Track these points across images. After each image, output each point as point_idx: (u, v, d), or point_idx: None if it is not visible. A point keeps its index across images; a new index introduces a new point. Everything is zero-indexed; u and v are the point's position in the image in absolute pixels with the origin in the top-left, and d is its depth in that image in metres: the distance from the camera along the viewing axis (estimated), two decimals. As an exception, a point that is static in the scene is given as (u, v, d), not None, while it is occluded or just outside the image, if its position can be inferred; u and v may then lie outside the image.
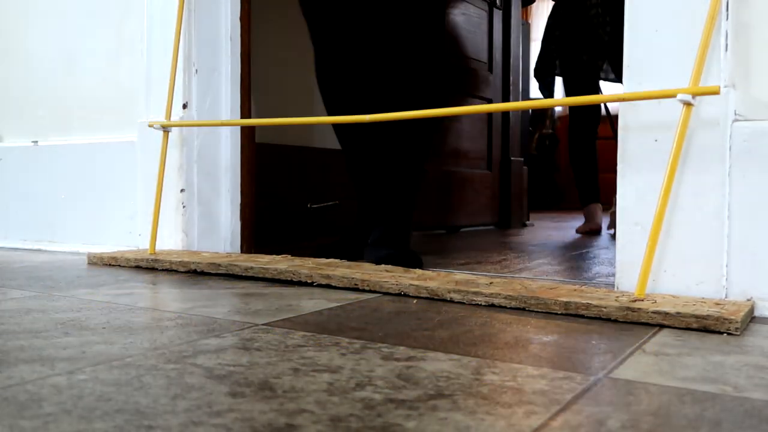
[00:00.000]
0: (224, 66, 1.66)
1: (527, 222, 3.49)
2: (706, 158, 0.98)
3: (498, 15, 3.24)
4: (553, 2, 2.72)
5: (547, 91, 2.74)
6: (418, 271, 1.24)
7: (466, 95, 3.03)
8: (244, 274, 1.29)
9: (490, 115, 3.19)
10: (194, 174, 1.62)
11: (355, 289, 1.15)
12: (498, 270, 1.48)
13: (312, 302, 1.04)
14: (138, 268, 1.45)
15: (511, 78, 3.30)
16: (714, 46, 0.97)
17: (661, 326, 0.87)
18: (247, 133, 1.72)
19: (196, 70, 1.63)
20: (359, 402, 0.56)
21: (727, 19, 0.99)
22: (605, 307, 0.91)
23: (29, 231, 1.94)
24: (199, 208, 1.63)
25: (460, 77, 2.98)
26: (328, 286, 1.18)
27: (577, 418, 0.53)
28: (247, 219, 1.71)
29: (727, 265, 0.97)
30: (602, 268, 1.53)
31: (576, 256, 1.78)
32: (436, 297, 1.06)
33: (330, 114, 1.58)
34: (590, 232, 2.68)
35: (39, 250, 1.87)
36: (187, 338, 0.79)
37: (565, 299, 0.95)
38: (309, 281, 1.21)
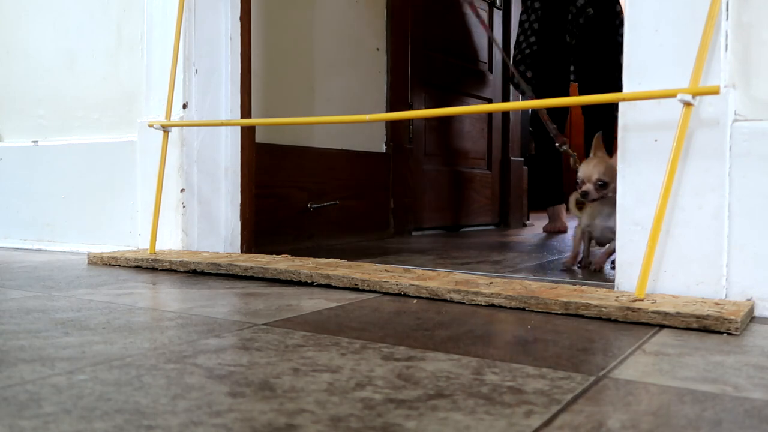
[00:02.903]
0: (224, 66, 1.66)
1: (527, 222, 3.49)
2: (706, 158, 0.98)
3: (498, 15, 3.24)
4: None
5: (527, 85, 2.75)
6: (419, 271, 1.24)
7: (466, 95, 3.04)
8: (244, 274, 1.29)
9: (490, 115, 3.19)
10: (194, 174, 1.62)
11: (355, 289, 1.15)
12: (498, 270, 1.48)
13: (312, 302, 1.04)
14: (138, 268, 1.45)
15: (511, 78, 3.30)
16: (714, 46, 0.97)
17: (661, 326, 0.87)
18: (247, 133, 1.72)
19: (196, 70, 1.63)
20: (359, 402, 0.56)
21: (727, 19, 0.99)
22: (605, 307, 0.91)
23: (29, 231, 1.94)
24: (199, 208, 1.63)
25: (460, 77, 2.98)
26: (328, 286, 1.18)
27: (577, 418, 0.53)
28: (247, 219, 1.71)
29: (727, 265, 0.97)
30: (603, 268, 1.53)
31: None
32: (436, 297, 1.06)
33: None
34: (557, 232, 2.74)
35: (39, 250, 1.87)
36: (187, 338, 0.79)
37: (565, 299, 0.95)
38: (309, 281, 1.21)
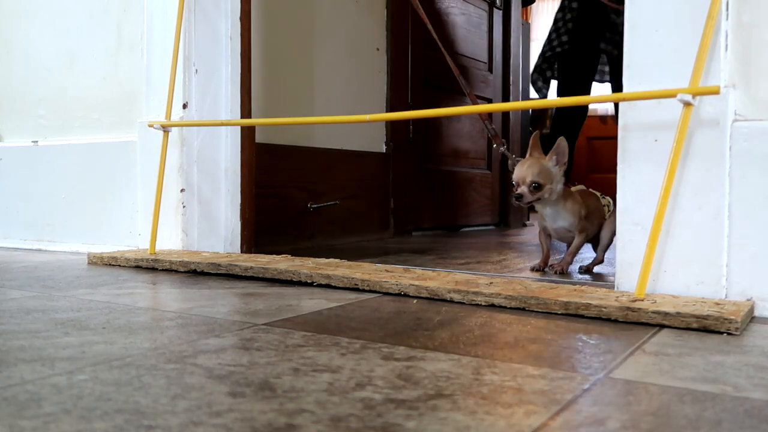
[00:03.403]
0: (224, 66, 1.66)
1: (527, 222, 3.49)
2: (706, 158, 0.98)
3: (498, 15, 3.24)
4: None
5: (545, 84, 2.73)
6: (418, 271, 1.24)
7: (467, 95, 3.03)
8: (244, 274, 1.29)
9: (490, 115, 3.19)
10: (194, 174, 1.62)
11: (355, 289, 1.15)
12: (498, 270, 1.48)
13: (312, 302, 1.04)
14: (138, 268, 1.45)
15: (511, 78, 3.30)
16: (714, 46, 0.97)
17: (661, 326, 0.87)
18: (247, 133, 1.72)
19: (196, 70, 1.63)
20: (359, 402, 0.56)
21: (727, 19, 0.99)
22: (605, 307, 0.91)
23: (29, 231, 1.94)
24: (199, 208, 1.63)
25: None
26: (328, 286, 1.18)
27: (577, 418, 0.53)
28: (247, 219, 1.71)
29: (727, 265, 0.97)
30: (602, 268, 1.53)
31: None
32: (436, 297, 1.06)
33: None
34: None
35: (39, 250, 1.87)
36: (187, 338, 0.79)
37: (565, 299, 0.95)
38: (309, 281, 1.21)
